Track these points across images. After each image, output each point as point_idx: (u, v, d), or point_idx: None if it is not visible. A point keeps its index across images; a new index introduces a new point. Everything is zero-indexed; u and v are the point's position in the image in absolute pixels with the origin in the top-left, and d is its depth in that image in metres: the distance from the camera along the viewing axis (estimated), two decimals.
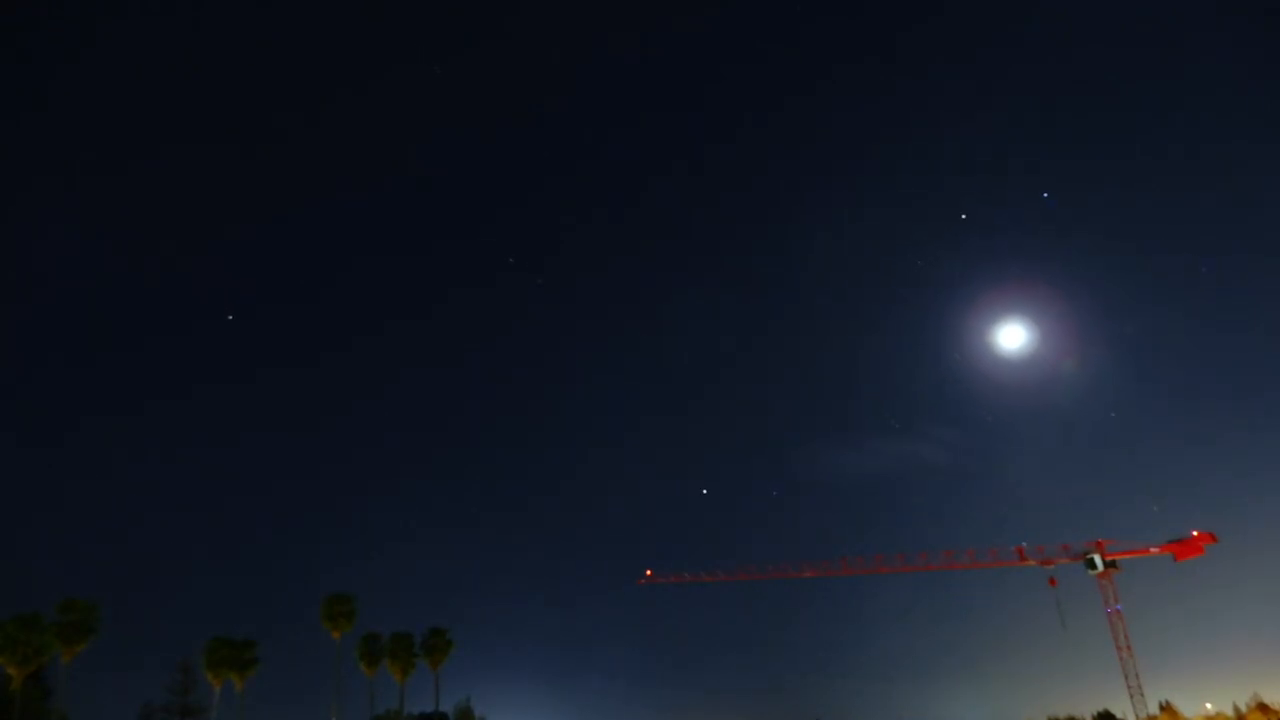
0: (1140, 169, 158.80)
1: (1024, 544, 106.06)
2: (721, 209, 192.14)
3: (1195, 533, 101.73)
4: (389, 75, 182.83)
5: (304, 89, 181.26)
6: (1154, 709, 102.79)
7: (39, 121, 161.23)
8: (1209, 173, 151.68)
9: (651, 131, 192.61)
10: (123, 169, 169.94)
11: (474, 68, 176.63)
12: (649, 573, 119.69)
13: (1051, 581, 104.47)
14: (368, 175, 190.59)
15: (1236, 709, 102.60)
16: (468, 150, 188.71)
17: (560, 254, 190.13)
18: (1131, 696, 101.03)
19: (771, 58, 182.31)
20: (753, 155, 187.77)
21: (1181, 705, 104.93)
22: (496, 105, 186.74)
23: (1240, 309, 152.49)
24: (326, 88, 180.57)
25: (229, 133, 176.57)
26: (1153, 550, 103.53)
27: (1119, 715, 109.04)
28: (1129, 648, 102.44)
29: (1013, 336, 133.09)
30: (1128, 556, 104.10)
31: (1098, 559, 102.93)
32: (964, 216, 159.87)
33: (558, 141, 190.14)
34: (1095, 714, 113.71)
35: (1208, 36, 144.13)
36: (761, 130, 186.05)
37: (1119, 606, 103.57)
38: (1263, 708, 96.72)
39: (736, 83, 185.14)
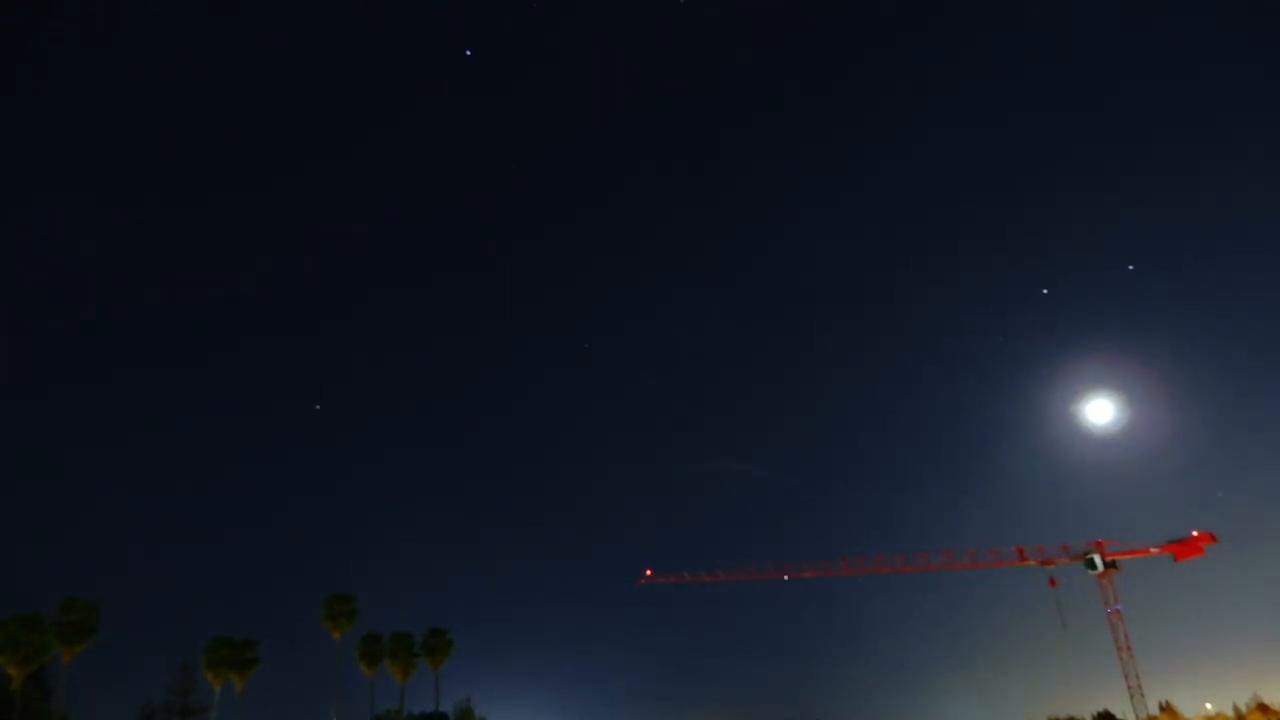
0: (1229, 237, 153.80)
1: (1024, 544, 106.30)
2: (750, 242, 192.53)
3: (1195, 533, 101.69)
4: (414, 108, 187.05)
5: (329, 123, 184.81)
6: (1154, 709, 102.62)
7: (73, 136, 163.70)
8: None
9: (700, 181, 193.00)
10: (151, 187, 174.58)
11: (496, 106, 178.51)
12: (649, 573, 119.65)
13: (1051, 581, 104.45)
14: (379, 211, 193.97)
15: (1236, 709, 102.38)
16: (475, 187, 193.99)
17: (564, 282, 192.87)
18: (1131, 696, 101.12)
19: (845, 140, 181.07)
20: (827, 226, 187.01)
21: (1181, 705, 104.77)
22: (510, 144, 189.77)
23: (1241, 305, 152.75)
24: (349, 120, 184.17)
25: (259, 162, 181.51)
26: (1153, 550, 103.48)
27: (1119, 715, 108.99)
28: (1129, 648, 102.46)
29: (1101, 411, 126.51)
30: (1128, 556, 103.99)
31: (1098, 559, 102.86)
32: (1045, 291, 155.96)
33: (572, 175, 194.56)
34: (1095, 714, 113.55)
35: None
36: (834, 202, 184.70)
37: (1119, 606, 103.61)
38: (1263, 708, 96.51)
39: (809, 157, 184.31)
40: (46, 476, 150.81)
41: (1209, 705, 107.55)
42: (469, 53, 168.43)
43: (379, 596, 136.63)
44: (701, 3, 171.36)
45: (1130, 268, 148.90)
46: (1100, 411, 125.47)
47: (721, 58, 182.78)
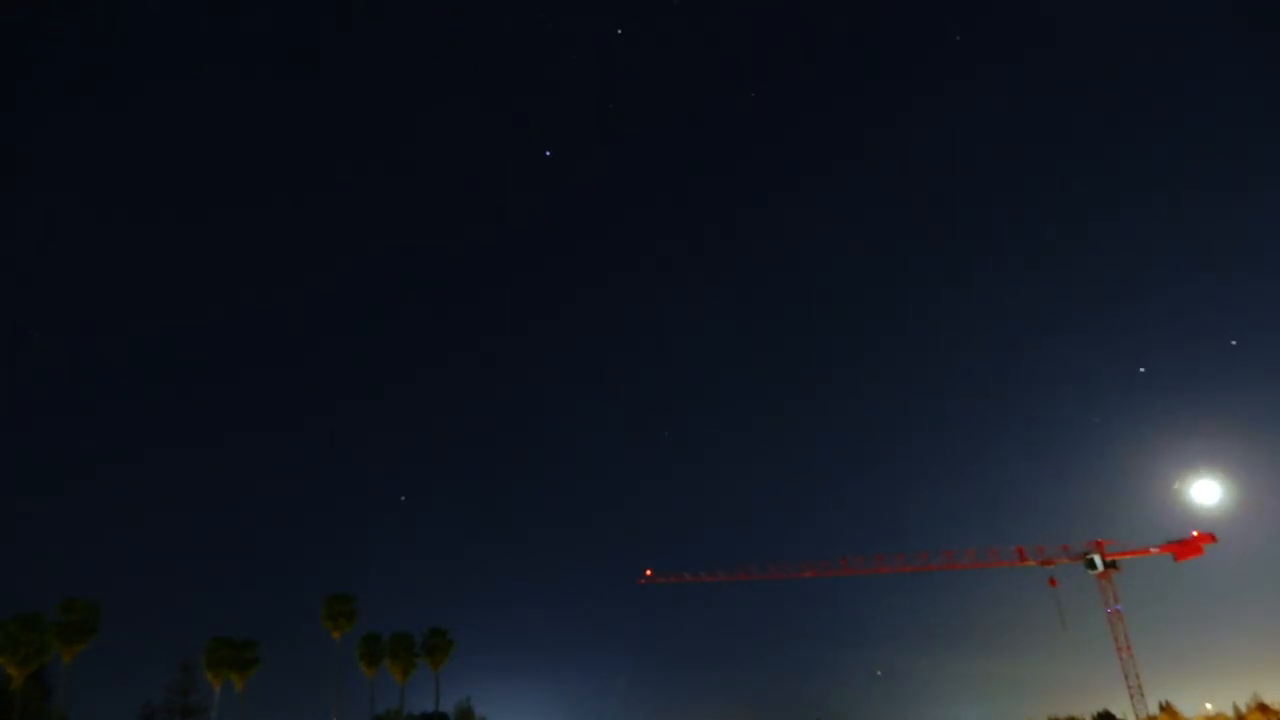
0: None
1: (1024, 544, 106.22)
2: (758, 249, 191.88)
3: (1195, 533, 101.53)
4: (420, 123, 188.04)
5: (331, 141, 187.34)
6: (1154, 709, 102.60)
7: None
8: None
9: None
10: (174, 203, 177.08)
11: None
12: (649, 573, 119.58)
13: (1051, 582, 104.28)
14: (386, 232, 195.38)
15: (1236, 709, 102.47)
16: (483, 208, 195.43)
17: (567, 296, 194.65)
18: (1131, 696, 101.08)
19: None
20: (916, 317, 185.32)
21: (1181, 705, 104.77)
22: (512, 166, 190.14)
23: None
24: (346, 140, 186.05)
25: (287, 187, 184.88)
26: (1153, 550, 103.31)
27: (1119, 715, 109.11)
28: (1129, 648, 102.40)
29: (1207, 492, 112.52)
30: (1128, 556, 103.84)
31: (1098, 559, 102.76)
32: (1142, 370, 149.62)
33: (572, 195, 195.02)
34: (1095, 714, 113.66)
35: None
36: (928, 296, 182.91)
37: (1119, 606, 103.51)
38: (1263, 708, 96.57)
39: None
40: (53, 479, 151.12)
41: (1209, 705, 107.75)
42: (548, 153, 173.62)
43: (379, 596, 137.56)
44: (721, 15, 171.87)
45: (1233, 343, 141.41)
46: (1206, 493, 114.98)
47: (756, 65, 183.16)
